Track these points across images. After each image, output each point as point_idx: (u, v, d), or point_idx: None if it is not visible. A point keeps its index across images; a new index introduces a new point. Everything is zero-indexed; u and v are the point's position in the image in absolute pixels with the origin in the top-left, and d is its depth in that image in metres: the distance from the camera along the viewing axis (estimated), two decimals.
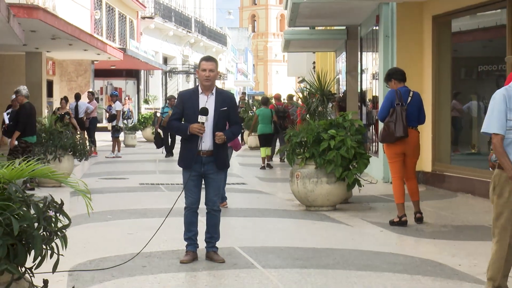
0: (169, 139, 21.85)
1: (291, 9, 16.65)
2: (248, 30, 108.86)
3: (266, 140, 19.03)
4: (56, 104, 30.90)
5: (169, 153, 21.74)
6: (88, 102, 23.23)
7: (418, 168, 11.12)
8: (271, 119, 19.38)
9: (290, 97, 23.20)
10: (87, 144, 15.76)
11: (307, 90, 16.22)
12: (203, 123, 6.99)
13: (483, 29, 13.53)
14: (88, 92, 25.33)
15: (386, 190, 12.80)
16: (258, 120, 19.47)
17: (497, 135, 5.07)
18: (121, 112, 22.82)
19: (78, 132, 19.44)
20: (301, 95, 16.94)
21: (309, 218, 10.10)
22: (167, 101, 21.92)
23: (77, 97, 22.98)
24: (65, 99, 21.93)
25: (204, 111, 7.00)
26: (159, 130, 22.14)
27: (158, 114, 24.36)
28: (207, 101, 7.11)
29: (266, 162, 18.73)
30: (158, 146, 22.17)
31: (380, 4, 15.12)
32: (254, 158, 21.40)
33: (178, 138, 19.25)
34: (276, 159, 20.47)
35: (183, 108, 7.16)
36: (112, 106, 23.01)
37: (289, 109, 20.84)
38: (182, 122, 7.20)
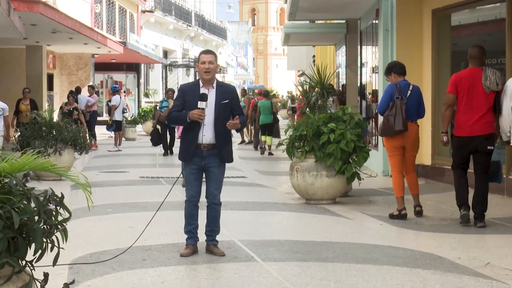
0: (168, 136, 20.29)
1: (291, 3, 16.67)
2: (248, 24, 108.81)
3: (267, 129, 21.20)
4: (56, 98, 30.92)
5: (169, 151, 20.13)
6: (89, 96, 23.25)
7: (418, 162, 11.12)
8: (271, 110, 21.39)
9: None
10: (87, 137, 15.74)
11: (307, 83, 16.25)
12: (203, 109, 6.97)
13: (483, 23, 13.52)
14: (88, 86, 25.32)
15: (385, 183, 12.81)
16: (260, 111, 21.27)
17: None
18: (115, 107, 22.50)
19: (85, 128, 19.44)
20: (301, 89, 17.07)
21: (308, 212, 10.11)
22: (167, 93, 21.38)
23: (77, 90, 23.03)
24: (71, 94, 21.41)
25: (204, 97, 6.99)
26: (158, 126, 20.43)
27: (158, 108, 23.92)
28: (207, 95, 7.11)
29: (266, 149, 20.91)
30: (154, 144, 20.10)
31: None
32: (254, 152, 21.48)
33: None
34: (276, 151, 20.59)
35: (184, 101, 7.17)
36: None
37: None
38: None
